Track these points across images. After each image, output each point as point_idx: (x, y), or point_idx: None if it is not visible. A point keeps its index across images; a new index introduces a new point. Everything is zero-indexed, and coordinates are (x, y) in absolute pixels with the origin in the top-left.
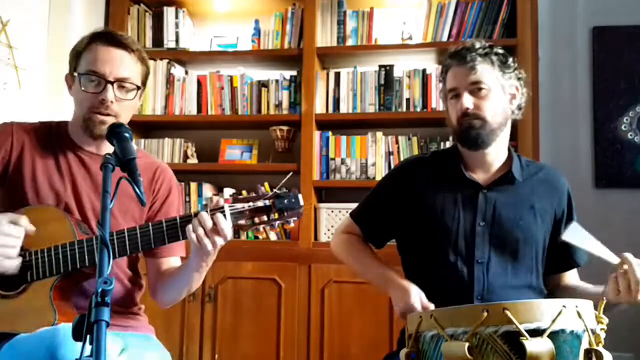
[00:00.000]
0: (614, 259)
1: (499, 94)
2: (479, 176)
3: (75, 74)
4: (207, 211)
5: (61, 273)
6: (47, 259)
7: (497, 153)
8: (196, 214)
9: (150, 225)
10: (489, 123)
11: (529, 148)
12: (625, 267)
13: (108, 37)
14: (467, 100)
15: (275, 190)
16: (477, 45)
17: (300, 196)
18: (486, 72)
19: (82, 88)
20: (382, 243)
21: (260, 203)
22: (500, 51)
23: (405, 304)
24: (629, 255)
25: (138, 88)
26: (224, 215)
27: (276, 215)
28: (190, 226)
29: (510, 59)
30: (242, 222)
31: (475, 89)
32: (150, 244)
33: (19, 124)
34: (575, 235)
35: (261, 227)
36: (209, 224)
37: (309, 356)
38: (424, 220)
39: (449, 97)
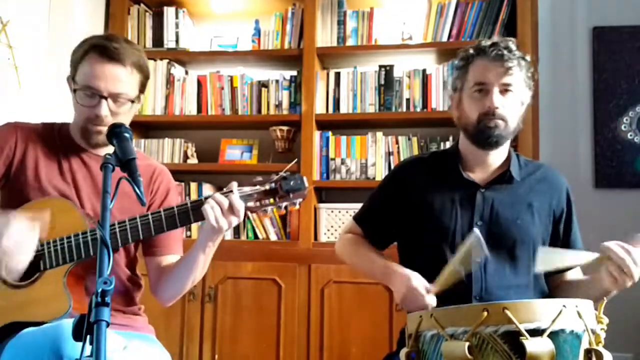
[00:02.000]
0: (592, 255)
1: (519, 101)
2: (478, 175)
3: (73, 86)
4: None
5: (75, 260)
6: (60, 248)
7: (499, 154)
8: (209, 197)
9: (161, 210)
10: (509, 126)
11: (529, 148)
12: (609, 254)
13: (103, 49)
14: (498, 99)
15: (281, 173)
16: (513, 47)
17: (305, 178)
18: (518, 76)
19: (79, 101)
20: (385, 244)
21: (267, 186)
22: (529, 59)
23: (407, 288)
24: (607, 244)
25: (132, 102)
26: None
27: (282, 197)
28: (207, 206)
29: (532, 69)
30: (250, 204)
31: (504, 90)
32: (162, 228)
33: (22, 125)
34: (546, 261)
35: (269, 209)
36: (225, 203)
37: (308, 356)
38: (422, 219)
39: (472, 90)
